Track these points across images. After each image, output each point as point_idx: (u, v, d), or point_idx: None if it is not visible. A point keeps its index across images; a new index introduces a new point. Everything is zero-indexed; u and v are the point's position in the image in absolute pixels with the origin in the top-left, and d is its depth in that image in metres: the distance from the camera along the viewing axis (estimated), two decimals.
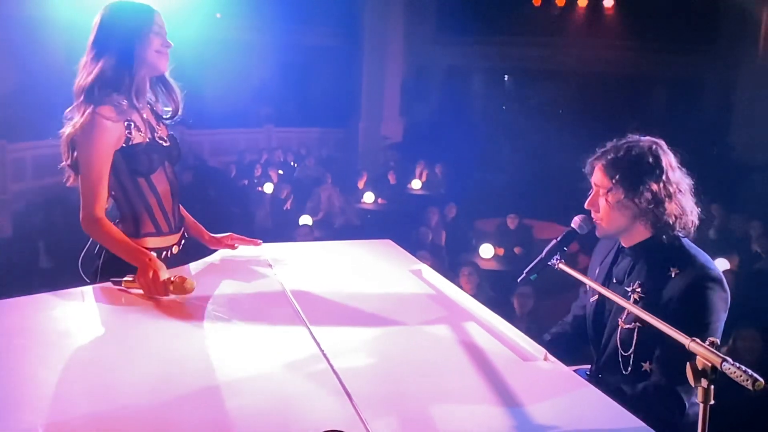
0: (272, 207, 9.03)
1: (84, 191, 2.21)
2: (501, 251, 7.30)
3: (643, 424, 1.48)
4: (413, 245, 7.07)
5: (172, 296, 2.06)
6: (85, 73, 2.25)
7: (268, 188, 9.73)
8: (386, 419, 1.44)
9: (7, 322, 1.87)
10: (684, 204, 2.15)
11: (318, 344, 1.79)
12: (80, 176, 2.22)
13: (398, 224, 8.18)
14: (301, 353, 1.76)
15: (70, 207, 2.77)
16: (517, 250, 7.40)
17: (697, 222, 2.17)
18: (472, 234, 8.05)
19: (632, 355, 2.14)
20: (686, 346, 1.49)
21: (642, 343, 2.12)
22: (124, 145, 2.25)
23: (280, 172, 10.69)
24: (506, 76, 13.28)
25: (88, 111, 2.20)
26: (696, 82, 11.85)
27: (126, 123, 2.26)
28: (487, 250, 7.17)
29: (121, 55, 2.24)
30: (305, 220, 8.20)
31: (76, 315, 1.97)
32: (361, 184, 10.07)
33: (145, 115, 2.35)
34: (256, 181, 10.29)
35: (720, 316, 2.06)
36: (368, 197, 9.72)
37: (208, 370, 1.66)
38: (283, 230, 7.74)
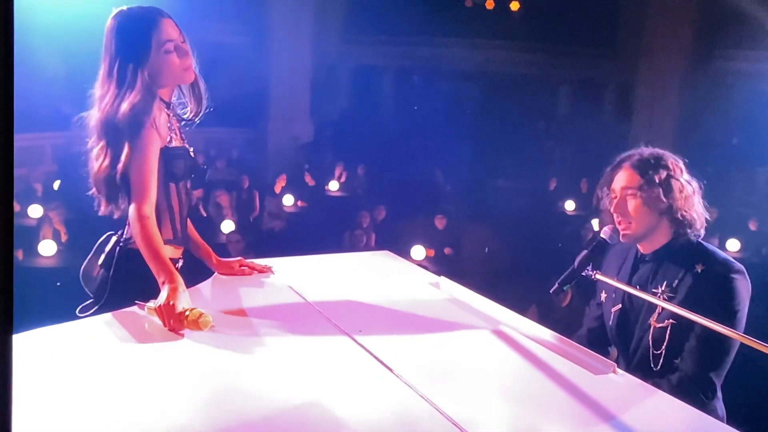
0: (191, 212, 8.63)
1: (135, 184, 2.07)
2: (431, 252, 7.37)
3: (730, 428, 1.53)
4: (346, 248, 7.01)
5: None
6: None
7: None
8: None
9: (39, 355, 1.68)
10: (697, 205, 2.29)
11: (389, 367, 1.71)
12: (132, 168, 2.07)
13: (322, 227, 8.09)
14: (368, 378, 1.68)
15: None
16: (447, 250, 7.50)
17: (705, 224, 2.31)
18: (401, 236, 8.06)
19: (664, 352, 2.25)
20: None
21: (675, 340, 2.23)
22: (167, 144, 2.17)
23: (192, 175, 10.25)
24: (414, 77, 13.44)
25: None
26: (598, 83, 12.51)
27: (169, 125, 2.19)
28: (418, 252, 7.21)
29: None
30: (228, 226, 7.92)
31: (109, 344, 1.79)
32: (278, 187, 9.86)
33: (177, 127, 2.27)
34: None
35: (746, 305, 2.22)
36: (288, 200, 9.53)
37: (275, 408, 1.54)
38: (207, 238, 7.41)
